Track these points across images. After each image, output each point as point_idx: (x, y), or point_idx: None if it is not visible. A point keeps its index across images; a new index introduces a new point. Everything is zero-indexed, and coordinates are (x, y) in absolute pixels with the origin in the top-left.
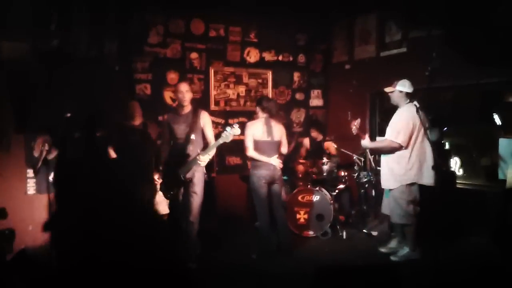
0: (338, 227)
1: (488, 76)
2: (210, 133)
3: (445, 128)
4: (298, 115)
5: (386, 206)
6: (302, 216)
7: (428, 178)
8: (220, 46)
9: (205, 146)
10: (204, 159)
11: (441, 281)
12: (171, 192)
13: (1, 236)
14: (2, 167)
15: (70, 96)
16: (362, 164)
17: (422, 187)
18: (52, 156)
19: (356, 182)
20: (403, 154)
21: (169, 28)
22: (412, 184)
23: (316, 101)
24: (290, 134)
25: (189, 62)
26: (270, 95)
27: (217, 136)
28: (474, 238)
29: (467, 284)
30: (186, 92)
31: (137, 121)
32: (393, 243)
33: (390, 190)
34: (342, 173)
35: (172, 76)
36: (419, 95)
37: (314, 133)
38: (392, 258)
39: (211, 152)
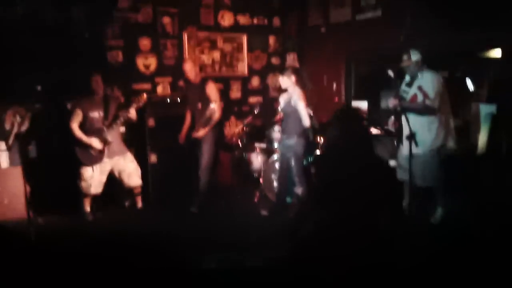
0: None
1: (462, 36)
2: (214, 100)
3: None
4: (275, 80)
5: (403, 171)
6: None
7: (452, 141)
8: (193, 9)
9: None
10: (201, 131)
11: None
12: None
13: None
14: None
15: (38, 65)
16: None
17: None
18: (24, 127)
19: None
20: (433, 119)
21: None
22: (438, 148)
23: (292, 64)
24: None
25: (161, 27)
26: (245, 60)
27: None
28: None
29: None
30: (189, 71)
31: (100, 93)
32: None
33: (414, 155)
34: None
35: (144, 42)
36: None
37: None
38: (432, 221)
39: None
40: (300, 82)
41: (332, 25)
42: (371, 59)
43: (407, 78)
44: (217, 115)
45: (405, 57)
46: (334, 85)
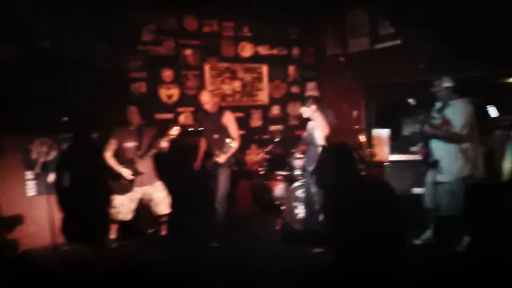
0: None
1: (481, 69)
2: (232, 131)
3: None
4: (295, 109)
5: (430, 198)
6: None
7: (480, 170)
8: (214, 41)
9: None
10: (222, 157)
11: None
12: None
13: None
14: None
15: (64, 98)
16: (359, 157)
17: None
18: (50, 157)
19: None
20: (463, 147)
21: (161, 25)
22: (467, 177)
23: (312, 93)
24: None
25: (183, 59)
26: (266, 89)
27: None
28: None
29: None
30: (206, 104)
31: (135, 124)
32: (427, 234)
33: (440, 183)
34: None
35: (167, 74)
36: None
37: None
38: (459, 249)
39: (228, 154)
40: (324, 114)
41: (350, 54)
42: (391, 86)
43: (438, 104)
44: (236, 143)
45: (437, 82)
46: (354, 113)
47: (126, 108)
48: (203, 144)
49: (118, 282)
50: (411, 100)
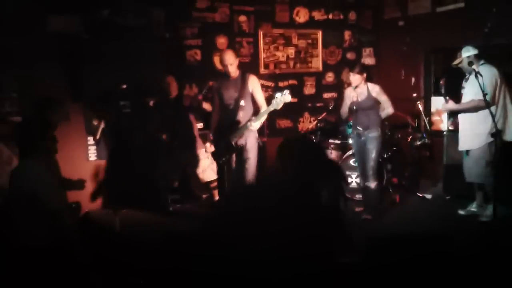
0: (390, 190)
1: None
2: (259, 97)
3: None
4: (349, 75)
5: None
6: (353, 179)
7: (510, 134)
8: (268, 7)
9: (256, 110)
10: (255, 125)
11: None
12: (223, 159)
13: (70, 209)
14: (64, 135)
15: (123, 66)
16: (416, 125)
17: None
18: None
19: (409, 144)
20: (489, 112)
21: None
22: (492, 143)
23: (368, 60)
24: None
25: (237, 26)
26: (320, 56)
27: (268, 100)
28: None
29: None
30: (230, 66)
31: (173, 95)
32: (473, 206)
33: (468, 150)
34: (395, 135)
35: (221, 41)
36: (488, 52)
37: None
38: (482, 219)
39: (262, 119)
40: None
41: (410, 18)
42: (453, 52)
43: (466, 75)
44: (264, 106)
45: (458, 54)
46: (413, 80)
47: (164, 79)
48: (215, 117)
49: (173, 243)
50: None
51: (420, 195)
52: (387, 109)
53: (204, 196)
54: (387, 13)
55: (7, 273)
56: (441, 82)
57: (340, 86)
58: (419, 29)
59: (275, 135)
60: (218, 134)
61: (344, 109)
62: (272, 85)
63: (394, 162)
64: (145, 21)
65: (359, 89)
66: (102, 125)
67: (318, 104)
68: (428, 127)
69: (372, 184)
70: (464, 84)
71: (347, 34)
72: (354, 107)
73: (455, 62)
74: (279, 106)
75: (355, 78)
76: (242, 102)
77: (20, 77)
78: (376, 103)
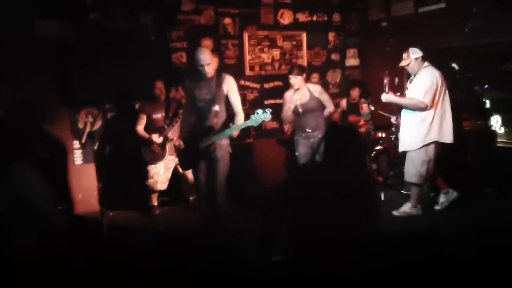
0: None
1: None
2: (235, 100)
3: (486, 86)
4: (334, 76)
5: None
6: None
7: (448, 136)
8: (253, 10)
9: (230, 115)
10: (228, 134)
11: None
12: (189, 165)
13: (60, 213)
14: (49, 139)
15: (110, 69)
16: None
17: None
18: (96, 127)
19: (394, 144)
20: (427, 114)
21: None
22: (429, 144)
23: (352, 60)
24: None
25: (223, 28)
26: (305, 57)
27: (247, 115)
28: None
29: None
30: (207, 66)
31: (162, 99)
32: (408, 207)
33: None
34: (380, 135)
35: (207, 43)
36: (432, 55)
37: (355, 93)
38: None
39: (235, 132)
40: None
41: (393, 19)
42: (435, 53)
43: (411, 76)
44: (241, 113)
45: (404, 55)
46: (396, 80)
47: (153, 84)
48: (184, 118)
49: (161, 246)
50: (453, 65)
51: (405, 193)
52: (329, 107)
53: (191, 198)
54: (371, 15)
55: None
56: (385, 82)
57: (325, 87)
58: (402, 30)
59: (262, 136)
60: (189, 137)
61: (288, 113)
62: (258, 87)
63: (378, 161)
64: (133, 25)
65: (300, 91)
66: (88, 129)
67: None
68: None
69: None
70: (408, 85)
71: (331, 36)
72: (300, 110)
73: (402, 64)
74: (257, 124)
75: (296, 80)
76: (216, 107)
77: (5, 81)
78: (320, 103)
